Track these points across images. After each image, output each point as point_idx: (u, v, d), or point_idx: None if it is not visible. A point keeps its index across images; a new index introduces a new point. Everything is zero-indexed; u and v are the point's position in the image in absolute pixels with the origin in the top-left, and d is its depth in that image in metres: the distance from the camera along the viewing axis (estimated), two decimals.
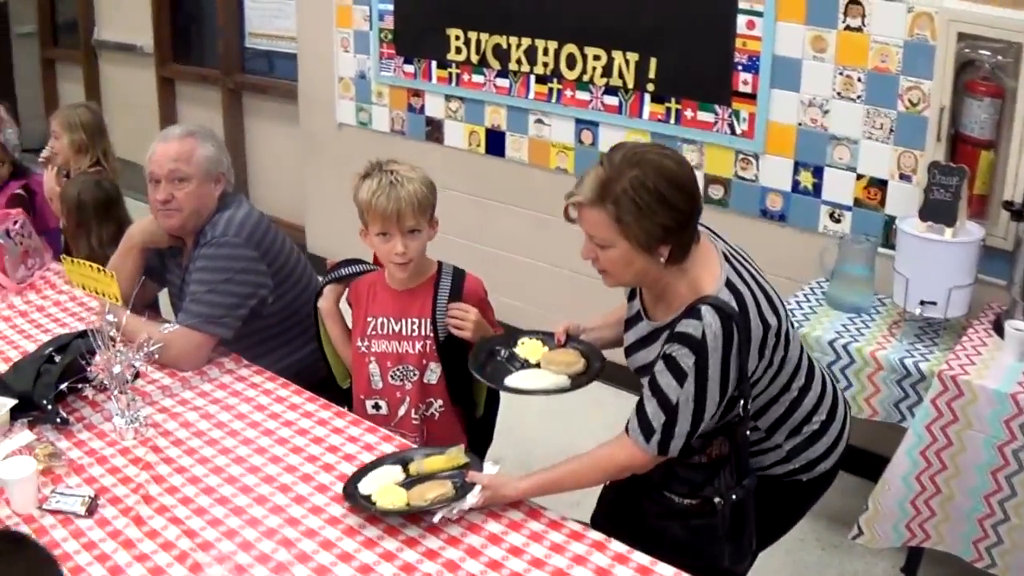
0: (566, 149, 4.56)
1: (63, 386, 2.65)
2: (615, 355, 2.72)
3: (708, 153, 4.12)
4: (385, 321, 2.84)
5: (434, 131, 5.07)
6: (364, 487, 2.37)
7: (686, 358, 2.23)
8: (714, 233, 2.48)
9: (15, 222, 3.55)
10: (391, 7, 5.04)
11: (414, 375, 2.82)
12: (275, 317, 3.18)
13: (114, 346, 2.59)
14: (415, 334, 2.81)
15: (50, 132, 4.26)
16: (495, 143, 4.85)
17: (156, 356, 2.78)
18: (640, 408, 2.32)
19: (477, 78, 4.79)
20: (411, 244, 2.71)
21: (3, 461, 2.40)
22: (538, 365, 2.66)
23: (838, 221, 3.81)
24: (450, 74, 4.90)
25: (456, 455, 2.44)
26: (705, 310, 2.23)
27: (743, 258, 2.44)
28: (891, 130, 3.59)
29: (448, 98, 4.97)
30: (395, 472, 2.42)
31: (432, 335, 2.80)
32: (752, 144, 3.97)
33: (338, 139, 5.58)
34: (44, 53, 8.06)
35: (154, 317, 3.31)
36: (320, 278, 3.11)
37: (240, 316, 3.06)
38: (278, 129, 6.32)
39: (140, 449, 2.60)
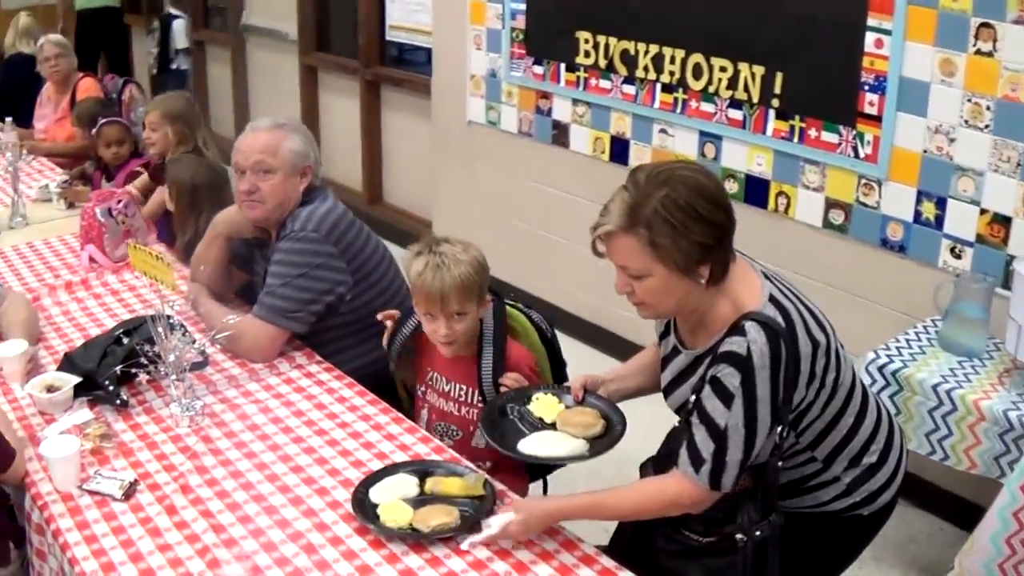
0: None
1: (117, 368, 2.68)
2: None
3: (830, 175, 3.92)
4: (438, 376, 2.79)
5: (560, 135, 4.99)
6: (375, 494, 2.33)
7: (731, 378, 2.09)
8: (746, 256, 2.33)
9: (119, 201, 3.62)
10: (523, 6, 4.98)
11: (457, 434, 2.76)
12: (353, 315, 3.13)
13: (172, 333, 2.60)
14: (461, 399, 2.74)
15: (146, 124, 4.33)
16: (619, 151, 4.74)
17: (219, 345, 2.80)
18: (690, 439, 2.17)
19: (604, 83, 4.69)
20: (456, 327, 2.61)
21: (54, 437, 2.44)
22: (554, 425, 2.49)
23: (959, 257, 3.56)
24: (578, 78, 4.81)
25: (475, 484, 2.35)
26: (749, 326, 2.09)
27: (781, 280, 2.29)
28: (1018, 164, 3.33)
29: (575, 102, 4.88)
30: (409, 484, 2.37)
31: (481, 404, 2.69)
32: (875, 169, 3.75)
33: (467, 136, 5.55)
34: (195, 34, 8.30)
35: (244, 306, 3.32)
36: None
37: (314, 312, 3.04)
38: (412, 123, 6.35)
39: (191, 438, 2.62)
